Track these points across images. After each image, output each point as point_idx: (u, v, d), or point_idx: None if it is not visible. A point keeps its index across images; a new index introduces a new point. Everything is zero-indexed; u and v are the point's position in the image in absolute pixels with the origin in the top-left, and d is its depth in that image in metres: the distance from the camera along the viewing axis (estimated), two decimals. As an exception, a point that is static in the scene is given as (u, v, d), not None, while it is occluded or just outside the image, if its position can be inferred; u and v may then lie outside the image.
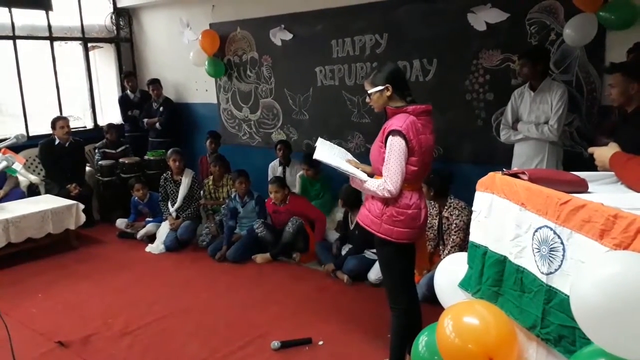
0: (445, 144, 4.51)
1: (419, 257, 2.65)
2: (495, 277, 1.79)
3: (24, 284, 4.29)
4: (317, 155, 2.56)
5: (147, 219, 5.48)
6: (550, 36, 3.93)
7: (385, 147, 2.41)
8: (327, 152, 2.64)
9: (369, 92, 2.52)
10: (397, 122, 2.39)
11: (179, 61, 6.62)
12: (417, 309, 2.71)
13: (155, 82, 6.55)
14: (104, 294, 4.06)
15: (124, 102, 6.78)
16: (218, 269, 4.58)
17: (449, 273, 2.12)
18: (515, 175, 1.81)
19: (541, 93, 3.67)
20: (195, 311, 3.72)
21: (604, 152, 1.92)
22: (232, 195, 5.01)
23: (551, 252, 1.51)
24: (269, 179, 5.53)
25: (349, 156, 2.70)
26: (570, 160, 3.75)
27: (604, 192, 1.73)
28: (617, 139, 1.99)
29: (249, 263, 4.64)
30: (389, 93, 2.46)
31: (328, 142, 2.77)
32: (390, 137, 2.38)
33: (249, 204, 4.91)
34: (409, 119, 2.39)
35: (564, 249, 1.46)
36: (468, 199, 3.56)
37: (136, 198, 5.49)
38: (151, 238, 5.25)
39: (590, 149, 1.99)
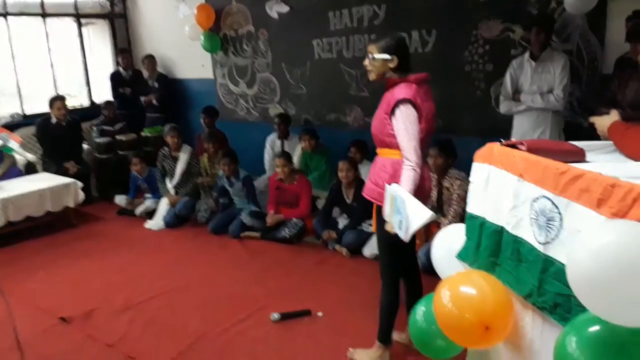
0: (444, 116, 4.43)
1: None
2: (492, 248, 1.79)
3: (24, 262, 4.32)
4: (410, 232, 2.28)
5: (146, 195, 5.48)
6: (551, 4, 3.85)
7: (390, 118, 2.38)
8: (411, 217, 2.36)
9: (374, 56, 2.44)
10: (402, 91, 2.36)
11: (175, 36, 6.52)
12: (414, 282, 2.74)
13: (150, 58, 6.48)
14: (105, 271, 4.09)
15: (115, 78, 6.69)
16: (217, 244, 4.60)
17: (446, 244, 2.12)
18: (513, 146, 1.80)
19: (543, 63, 3.63)
20: (195, 286, 3.75)
21: (604, 122, 1.91)
22: (220, 174, 4.99)
23: (548, 222, 1.50)
24: (265, 152, 5.51)
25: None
26: (570, 130, 3.73)
27: (603, 162, 1.71)
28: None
29: (248, 238, 4.66)
30: (393, 65, 2.42)
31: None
32: (400, 107, 2.34)
33: (236, 184, 4.88)
34: (413, 87, 2.38)
35: (561, 219, 1.46)
36: (466, 171, 3.56)
37: (135, 173, 5.48)
38: (150, 214, 5.26)
39: (591, 119, 1.98)
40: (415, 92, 2.37)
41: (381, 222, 2.52)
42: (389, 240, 2.57)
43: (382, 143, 2.47)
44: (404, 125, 2.34)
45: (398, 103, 2.35)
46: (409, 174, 2.34)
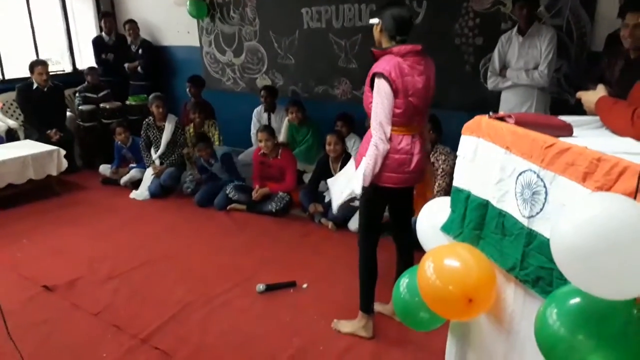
0: (432, 90, 4.45)
1: (419, 201, 2.68)
2: (477, 221, 1.79)
3: (7, 229, 4.27)
4: (335, 205, 2.54)
5: (131, 164, 5.42)
6: (543, -22, 3.82)
7: (372, 91, 2.39)
8: (337, 188, 2.55)
9: (370, 21, 2.53)
10: (381, 64, 2.36)
11: (160, 1, 6.35)
12: (406, 253, 2.78)
13: (131, 22, 6.31)
14: (89, 240, 4.06)
15: (98, 44, 6.50)
16: (203, 215, 4.58)
17: (431, 217, 2.12)
18: (501, 119, 1.79)
19: (530, 38, 3.60)
20: (180, 256, 3.74)
21: (590, 97, 1.90)
22: (197, 155, 4.92)
23: (534, 196, 1.51)
24: (252, 125, 5.46)
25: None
26: (557, 107, 3.74)
27: (590, 137, 1.71)
28: (620, 86, 1.97)
29: (234, 210, 4.64)
30: (379, 29, 2.45)
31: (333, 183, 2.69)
32: (375, 81, 2.36)
33: (215, 165, 4.84)
34: (394, 60, 2.35)
35: (546, 193, 1.46)
36: (454, 146, 3.57)
37: (119, 142, 5.40)
38: (135, 184, 5.21)
39: (578, 94, 1.97)
40: (394, 65, 2.33)
41: (373, 194, 2.54)
42: (367, 210, 2.60)
43: (369, 115, 2.47)
44: (374, 100, 2.36)
45: (374, 76, 2.36)
46: (370, 151, 2.38)
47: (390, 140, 2.41)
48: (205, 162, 4.84)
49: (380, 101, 2.34)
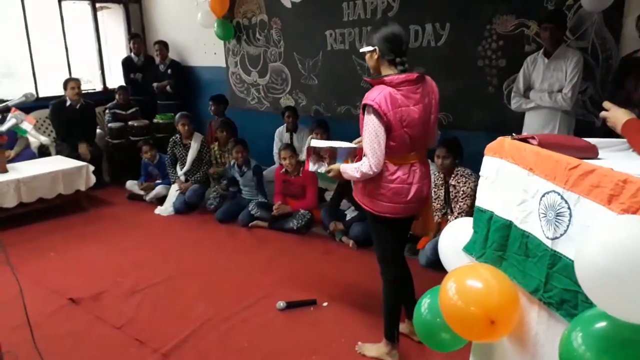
0: (455, 111, 4.46)
1: (421, 228, 2.67)
2: (500, 242, 1.78)
3: (36, 243, 4.38)
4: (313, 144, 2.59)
5: (157, 181, 5.53)
6: (568, 0, 3.81)
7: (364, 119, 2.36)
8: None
9: (361, 50, 2.44)
10: (372, 94, 2.29)
11: (188, 23, 6.52)
12: (407, 282, 2.76)
13: (161, 43, 6.49)
14: (114, 254, 4.14)
15: (127, 64, 6.72)
16: (225, 231, 4.63)
17: (453, 238, 2.11)
18: (524, 140, 1.79)
19: (555, 60, 3.59)
20: (202, 272, 3.78)
21: (618, 115, 1.85)
22: (231, 164, 5.00)
23: (557, 217, 1.50)
24: (275, 144, 5.53)
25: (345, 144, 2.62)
26: (582, 129, 3.69)
27: (615, 159, 1.70)
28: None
29: (256, 227, 4.68)
30: (376, 56, 2.36)
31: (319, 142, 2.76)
32: (365, 112, 2.31)
33: (247, 173, 4.89)
34: (385, 91, 2.26)
35: (570, 214, 1.45)
36: (476, 167, 3.55)
37: (145, 159, 5.52)
38: (160, 200, 5.30)
39: (606, 104, 1.89)
40: (386, 96, 2.25)
41: (375, 224, 2.54)
42: (378, 242, 2.59)
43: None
44: (366, 132, 2.31)
45: (365, 107, 2.31)
46: (358, 164, 2.35)
47: (386, 169, 2.36)
48: (239, 167, 4.90)
49: (369, 134, 2.28)
